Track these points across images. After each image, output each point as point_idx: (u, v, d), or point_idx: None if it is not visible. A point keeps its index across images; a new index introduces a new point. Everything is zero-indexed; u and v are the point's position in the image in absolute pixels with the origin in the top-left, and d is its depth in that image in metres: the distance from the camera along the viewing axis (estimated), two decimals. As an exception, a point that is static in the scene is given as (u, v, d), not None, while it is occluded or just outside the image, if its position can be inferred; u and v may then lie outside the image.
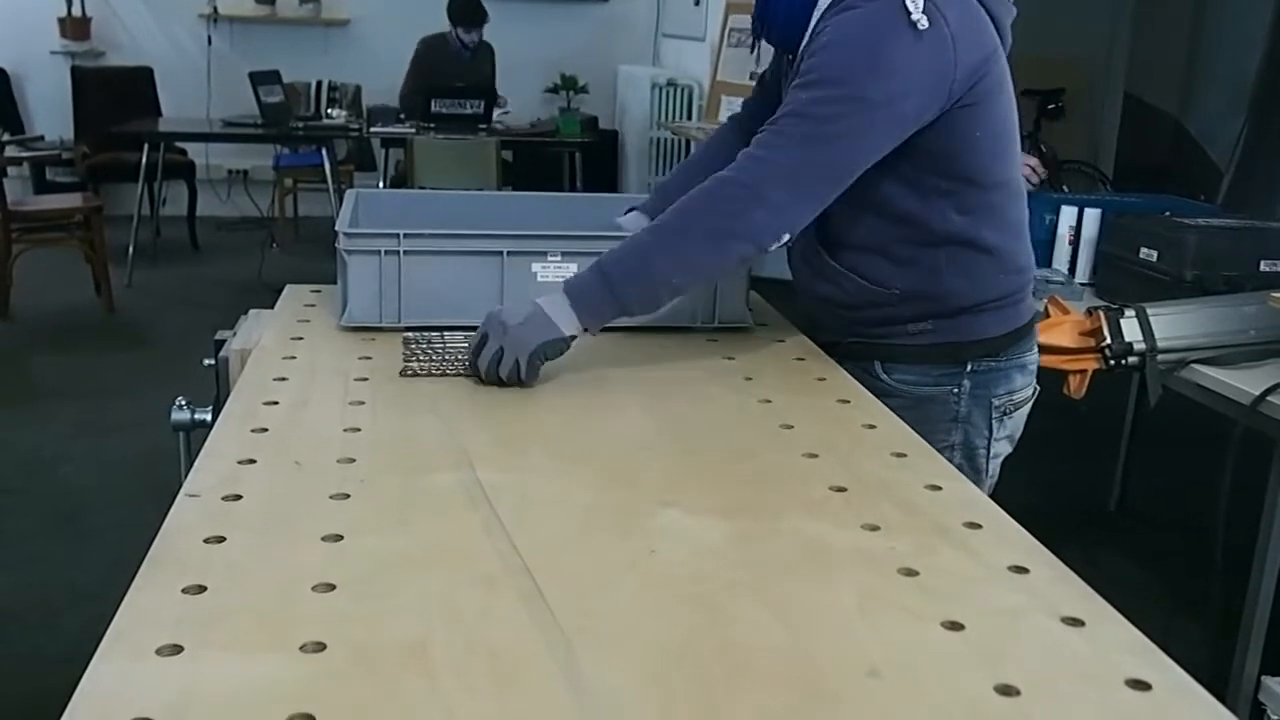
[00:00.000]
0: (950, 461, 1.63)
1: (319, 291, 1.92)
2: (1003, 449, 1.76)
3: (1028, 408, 1.77)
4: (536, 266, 1.73)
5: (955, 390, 1.70)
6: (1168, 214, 2.85)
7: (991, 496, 1.21)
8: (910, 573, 1.03)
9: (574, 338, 1.51)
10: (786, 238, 1.52)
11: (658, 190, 1.98)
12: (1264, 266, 2.56)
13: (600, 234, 1.79)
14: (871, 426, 1.42)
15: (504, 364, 1.48)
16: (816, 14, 1.60)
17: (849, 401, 1.51)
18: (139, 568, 0.96)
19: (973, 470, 1.72)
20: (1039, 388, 1.79)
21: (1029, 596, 0.99)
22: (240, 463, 1.20)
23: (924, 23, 1.47)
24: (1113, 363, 2.25)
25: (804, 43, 1.61)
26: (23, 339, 5.27)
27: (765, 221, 1.49)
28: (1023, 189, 1.70)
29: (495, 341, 1.49)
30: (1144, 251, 2.67)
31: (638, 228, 1.87)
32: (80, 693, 0.78)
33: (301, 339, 1.67)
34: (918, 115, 1.51)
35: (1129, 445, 3.71)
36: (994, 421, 1.72)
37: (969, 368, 1.69)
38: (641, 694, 0.82)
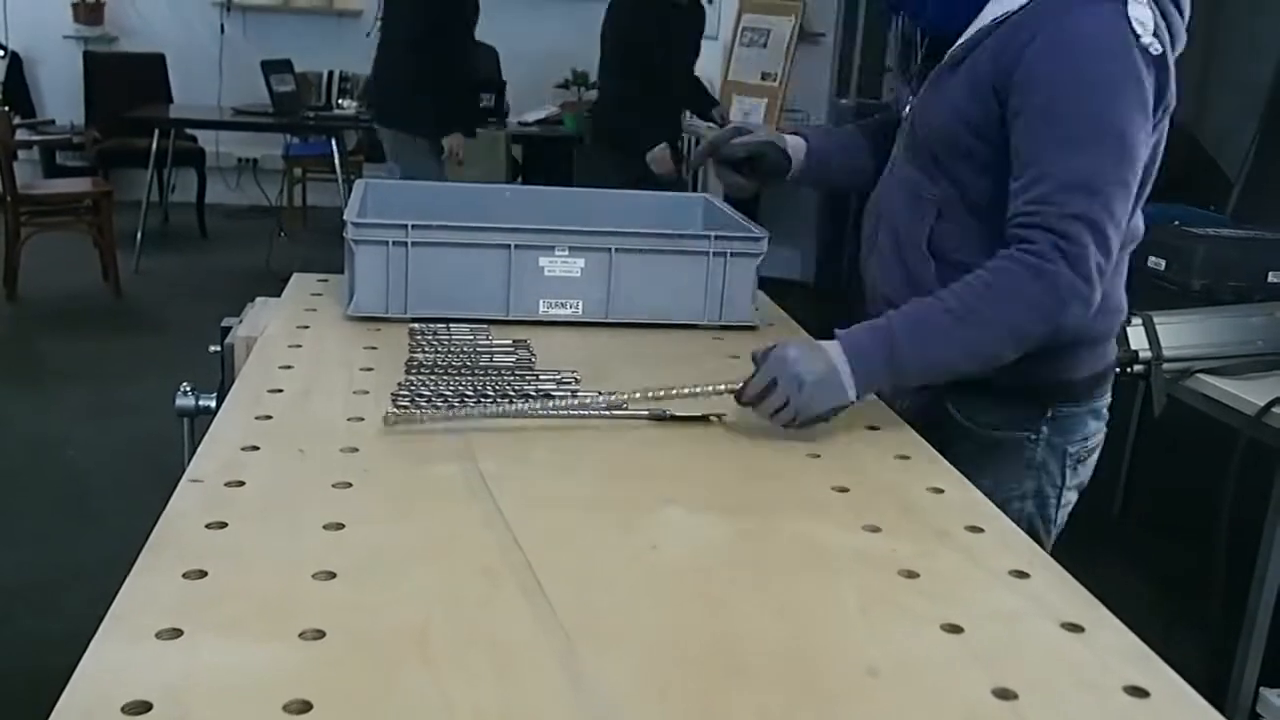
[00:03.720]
0: (1020, 510, 1.55)
1: (326, 281, 1.92)
2: (1072, 498, 1.62)
3: (1098, 453, 1.63)
4: (544, 260, 1.73)
5: (1033, 436, 1.55)
6: (1177, 223, 2.85)
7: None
8: (910, 575, 1.03)
9: (853, 403, 1.37)
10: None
11: (819, 128, 1.86)
12: (1272, 278, 2.55)
13: (609, 230, 1.80)
14: (874, 428, 1.42)
15: (782, 415, 1.34)
16: (993, 8, 1.44)
17: (853, 402, 1.51)
18: (141, 551, 0.97)
19: (1042, 520, 1.59)
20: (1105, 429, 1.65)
21: (1029, 601, 0.99)
22: (243, 449, 1.20)
23: (1155, 47, 1.35)
24: (1118, 370, 2.24)
25: (971, 32, 1.45)
26: (30, 322, 5.28)
27: (1081, 312, 1.36)
28: (1140, 229, 1.53)
29: (785, 393, 1.33)
30: (1152, 260, 2.66)
31: (796, 147, 1.74)
32: (79, 674, 0.79)
33: (308, 328, 1.67)
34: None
35: (1133, 453, 3.70)
36: (1067, 470, 1.59)
37: (1049, 413, 1.55)
38: (639, 689, 0.82)
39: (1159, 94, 1.38)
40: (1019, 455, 1.56)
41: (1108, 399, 1.62)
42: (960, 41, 1.46)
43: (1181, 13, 1.43)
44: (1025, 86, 1.36)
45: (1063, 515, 1.62)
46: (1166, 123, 1.43)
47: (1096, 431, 1.61)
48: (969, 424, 1.55)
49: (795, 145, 1.74)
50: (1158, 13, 1.38)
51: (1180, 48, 1.44)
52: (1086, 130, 1.34)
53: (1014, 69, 1.38)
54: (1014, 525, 1.15)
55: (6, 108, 6.03)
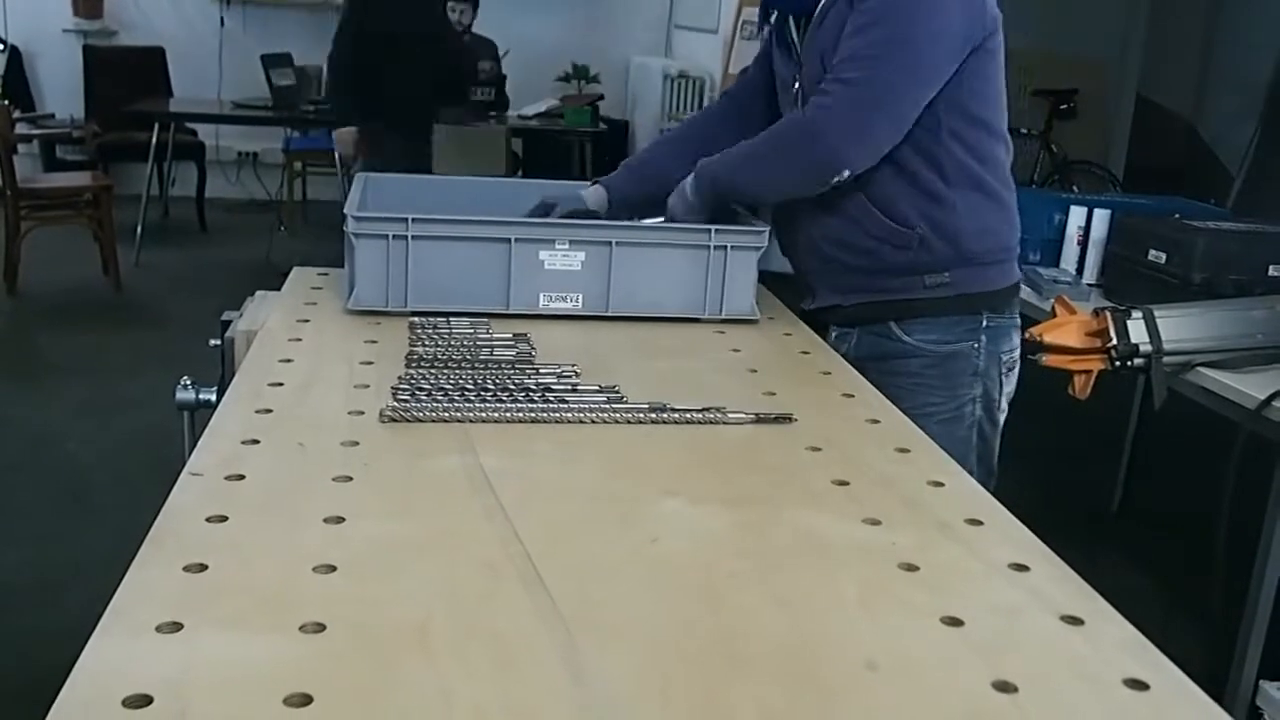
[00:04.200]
0: (972, 414, 1.79)
1: (326, 275, 1.92)
2: (1005, 408, 1.84)
3: (1017, 370, 1.86)
4: (544, 254, 1.73)
5: (975, 345, 1.77)
6: (1177, 216, 2.85)
7: (994, 494, 1.21)
8: (910, 568, 1.03)
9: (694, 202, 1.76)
10: (846, 174, 1.64)
11: (624, 167, 2.02)
12: (1273, 271, 2.55)
13: (609, 223, 1.80)
14: (875, 421, 1.42)
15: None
16: None
17: (853, 396, 1.51)
18: (141, 545, 0.97)
19: (990, 424, 1.82)
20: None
21: (1029, 594, 0.99)
22: (244, 443, 1.20)
23: None
24: (1118, 364, 2.24)
25: (821, 2, 1.69)
26: (30, 316, 5.28)
27: (820, 144, 1.61)
28: (1003, 156, 1.80)
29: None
30: (1152, 253, 2.66)
31: (599, 200, 1.95)
32: (80, 668, 0.79)
33: (308, 321, 1.67)
34: (960, 50, 1.64)
35: (1132, 447, 3.71)
36: (1003, 376, 1.81)
37: (985, 322, 1.77)
38: (640, 682, 0.82)
39: (979, 8, 1.64)
40: (967, 363, 1.78)
41: (1018, 317, 1.87)
42: (820, 4, 1.70)
43: None
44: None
45: (1001, 420, 1.85)
46: (997, 38, 1.69)
47: (1017, 345, 1.85)
48: (919, 343, 1.77)
49: (597, 200, 1.94)
50: None
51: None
52: (872, 20, 1.59)
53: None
54: (1014, 519, 1.15)
55: (6, 101, 6.03)
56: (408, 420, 1.29)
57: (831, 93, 1.61)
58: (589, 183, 2.00)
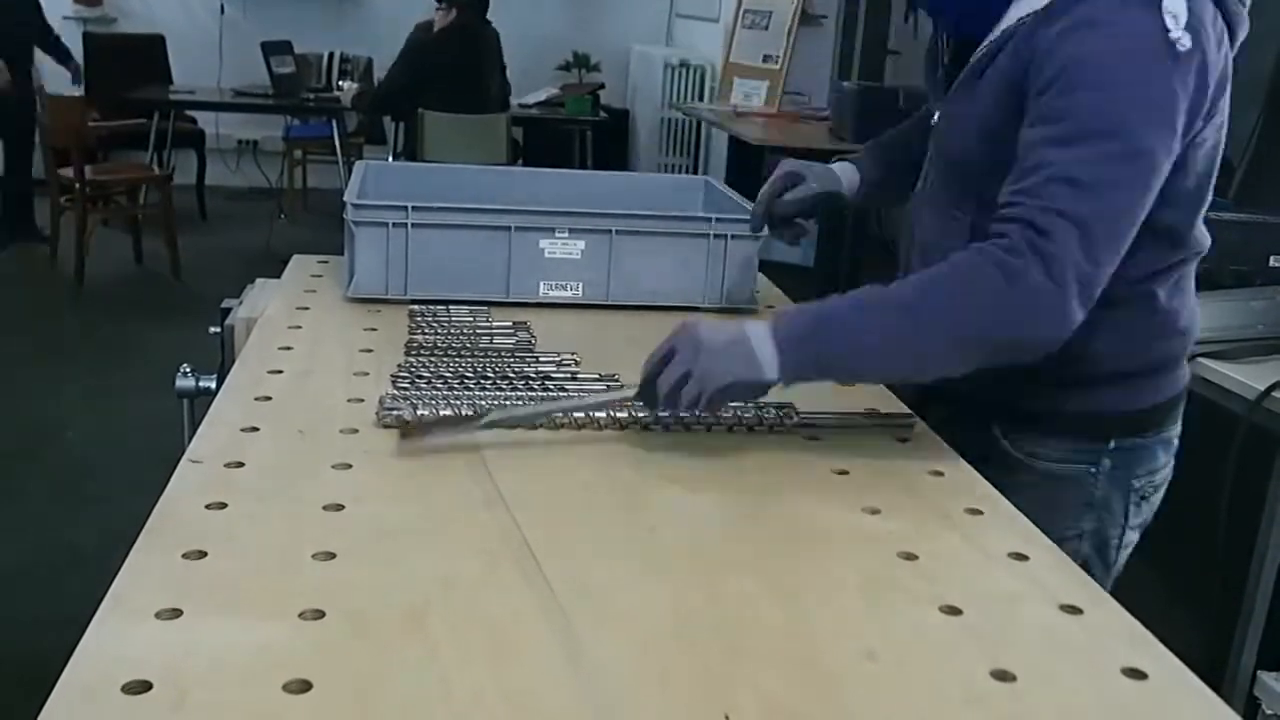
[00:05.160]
0: (1077, 552, 1.39)
1: (326, 262, 1.92)
2: (1133, 539, 1.47)
3: (1164, 489, 1.49)
4: (544, 242, 1.73)
5: (1093, 470, 1.40)
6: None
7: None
8: (910, 556, 1.03)
9: (775, 383, 1.21)
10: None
11: (872, 147, 1.70)
12: (1273, 262, 2.54)
13: (608, 211, 1.79)
14: (874, 410, 1.42)
15: (686, 392, 1.19)
16: (1018, 8, 1.28)
17: (852, 385, 1.51)
18: (140, 532, 0.97)
19: (1101, 564, 1.44)
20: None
21: (1028, 583, 0.99)
22: (243, 430, 1.20)
23: (1185, 42, 1.17)
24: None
25: (994, 35, 1.30)
26: (30, 304, 5.27)
27: (1051, 327, 1.17)
28: (1205, 240, 1.38)
29: (682, 365, 1.20)
30: (1153, 244, 2.65)
31: (851, 181, 1.65)
32: (79, 654, 0.79)
33: (307, 309, 1.67)
34: (1175, 152, 1.22)
35: (1132, 438, 3.70)
36: (1131, 507, 1.44)
37: (1111, 444, 1.40)
38: (638, 670, 0.83)
39: (1197, 92, 1.20)
40: (1079, 492, 1.41)
41: (1178, 428, 1.47)
42: (983, 45, 1.31)
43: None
44: (1037, 77, 1.22)
45: (1123, 557, 1.47)
46: (1220, 121, 1.27)
47: (1166, 464, 1.47)
48: (1023, 457, 1.41)
49: (849, 181, 1.64)
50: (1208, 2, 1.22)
51: (1242, 33, 1.28)
52: (1089, 126, 1.17)
53: (1032, 59, 1.23)
54: (1014, 508, 1.15)
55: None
56: (407, 425, 1.27)
57: (1055, 235, 1.15)
58: (834, 160, 1.67)
